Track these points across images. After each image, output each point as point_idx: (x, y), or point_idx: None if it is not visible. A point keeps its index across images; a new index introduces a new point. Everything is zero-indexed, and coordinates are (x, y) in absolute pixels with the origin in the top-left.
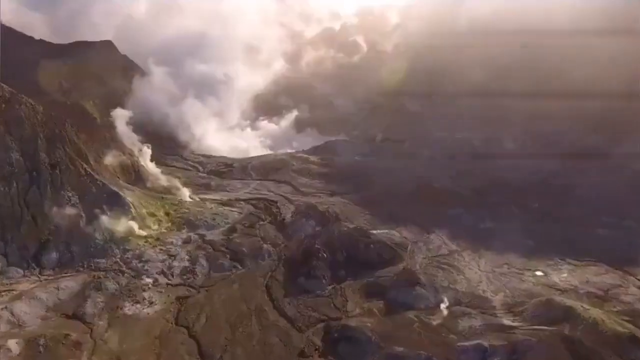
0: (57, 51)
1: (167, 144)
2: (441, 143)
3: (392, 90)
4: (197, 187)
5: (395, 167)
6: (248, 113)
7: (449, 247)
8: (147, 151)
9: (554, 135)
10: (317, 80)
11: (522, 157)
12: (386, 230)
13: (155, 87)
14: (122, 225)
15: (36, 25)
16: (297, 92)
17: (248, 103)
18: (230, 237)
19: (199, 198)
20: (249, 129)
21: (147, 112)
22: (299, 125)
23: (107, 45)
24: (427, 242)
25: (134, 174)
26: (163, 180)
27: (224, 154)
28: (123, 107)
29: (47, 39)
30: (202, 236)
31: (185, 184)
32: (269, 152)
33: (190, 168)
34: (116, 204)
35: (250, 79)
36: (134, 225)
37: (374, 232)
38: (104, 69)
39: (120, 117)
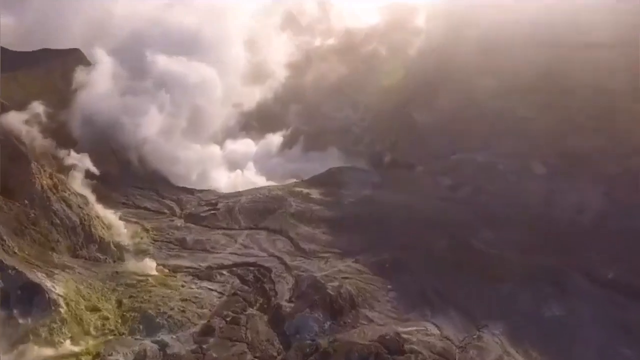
0: (11, 61)
1: (134, 172)
2: (461, 168)
3: (397, 99)
4: (169, 246)
5: (413, 205)
6: (235, 124)
7: (514, 358)
8: (84, 160)
9: (587, 155)
10: (318, 87)
11: (558, 184)
12: (422, 327)
13: (111, 91)
14: (42, 339)
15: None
16: (295, 100)
17: (236, 113)
18: (204, 345)
19: (169, 268)
20: (233, 144)
21: (94, 117)
22: (295, 138)
23: (74, 53)
24: (479, 348)
25: (84, 234)
26: (125, 237)
27: (197, 180)
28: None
29: (8, 46)
30: (163, 346)
31: (153, 240)
32: (257, 174)
33: (165, 210)
34: (36, 302)
35: (241, 85)
36: (62, 336)
37: (405, 330)
38: (68, 82)
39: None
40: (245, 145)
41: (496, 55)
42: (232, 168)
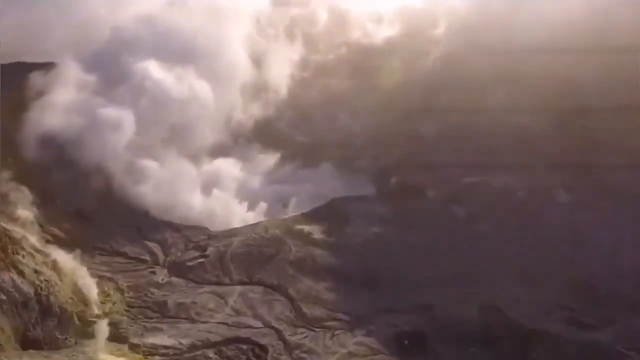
0: None
1: (113, 203)
2: (476, 195)
3: (403, 110)
4: (146, 313)
5: (428, 247)
6: (224, 140)
7: None
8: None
9: (611, 178)
10: (319, 96)
11: (586, 216)
12: None
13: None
14: None
15: None
16: (292, 110)
17: (227, 127)
18: None
19: (144, 350)
20: (217, 163)
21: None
22: (288, 153)
23: (51, 67)
24: None
25: (39, 308)
26: (94, 303)
27: (168, 205)
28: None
29: None
30: None
31: (128, 306)
32: (238, 197)
33: (146, 256)
34: None
35: (232, 98)
36: None
37: None
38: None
39: None
40: (228, 164)
41: (512, 64)
42: (214, 190)
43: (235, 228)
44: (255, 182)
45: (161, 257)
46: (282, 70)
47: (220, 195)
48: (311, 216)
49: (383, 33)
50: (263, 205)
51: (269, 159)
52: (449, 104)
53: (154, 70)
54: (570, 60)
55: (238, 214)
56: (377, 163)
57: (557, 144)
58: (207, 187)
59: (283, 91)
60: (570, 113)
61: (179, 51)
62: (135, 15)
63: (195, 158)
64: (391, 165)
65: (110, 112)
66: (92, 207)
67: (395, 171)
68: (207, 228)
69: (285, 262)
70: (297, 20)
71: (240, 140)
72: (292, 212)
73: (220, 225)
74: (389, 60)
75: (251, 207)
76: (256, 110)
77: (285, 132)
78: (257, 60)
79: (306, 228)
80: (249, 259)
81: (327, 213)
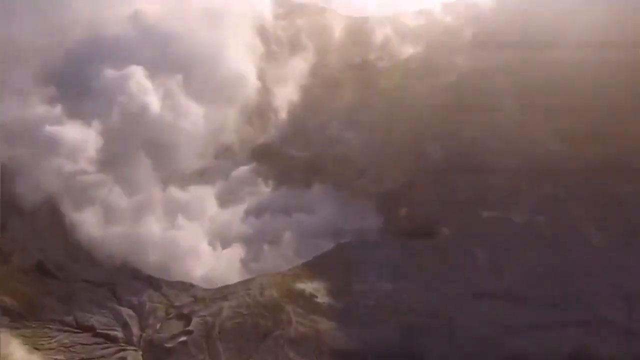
0: None
1: (81, 251)
2: (497, 233)
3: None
4: None
5: (451, 314)
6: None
7: None
8: None
9: None
10: (321, 110)
11: (627, 263)
12: None
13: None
14: None
15: None
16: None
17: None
18: None
19: None
20: (200, 192)
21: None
22: (287, 176)
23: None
24: None
25: None
26: None
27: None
28: None
29: None
30: None
31: None
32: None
33: (117, 332)
34: None
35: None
36: None
37: None
38: None
39: None
40: (210, 193)
41: (538, 85)
42: (189, 225)
43: (226, 287)
44: (243, 213)
45: (136, 331)
46: (287, 87)
47: (197, 230)
48: (313, 268)
49: (402, 48)
50: (249, 243)
51: (261, 185)
52: (463, 126)
53: (131, 79)
54: (605, 86)
55: (217, 255)
56: (381, 183)
57: (575, 167)
58: (183, 220)
59: (285, 111)
60: (601, 140)
61: (168, 59)
62: (121, 14)
63: (172, 186)
64: (397, 189)
65: (70, 133)
66: (55, 259)
67: (403, 199)
68: (191, 284)
69: (284, 340)
70: (307, 31)
71: (229, 159)
72: (285, 249)
73: (201, 271)
74: (406, 77)
75: (238, 246)
76: (253, 133)
77: (282, 151)
78: (261, 75)
79: (308, 287)
80: (241, 336)
81: (332, 262)
